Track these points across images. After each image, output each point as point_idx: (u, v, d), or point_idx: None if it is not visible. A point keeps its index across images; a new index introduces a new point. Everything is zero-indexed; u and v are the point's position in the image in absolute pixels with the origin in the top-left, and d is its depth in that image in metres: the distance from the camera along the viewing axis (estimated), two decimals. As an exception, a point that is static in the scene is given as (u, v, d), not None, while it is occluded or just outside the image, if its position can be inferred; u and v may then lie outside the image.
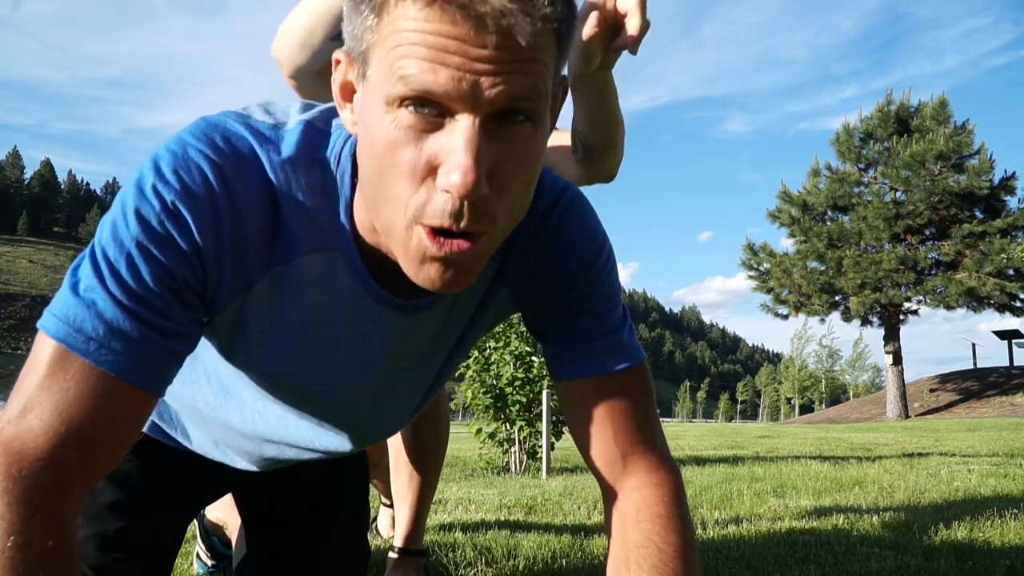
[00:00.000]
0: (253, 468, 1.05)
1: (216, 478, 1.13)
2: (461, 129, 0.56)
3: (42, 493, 0.60)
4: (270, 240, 0.71)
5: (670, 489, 0.77)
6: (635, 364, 0.81)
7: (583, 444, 0.81)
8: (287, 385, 0.84)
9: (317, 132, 0.72)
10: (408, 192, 0.59)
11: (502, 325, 4.64)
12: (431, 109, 0.57)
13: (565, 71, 0.69)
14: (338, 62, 0.65)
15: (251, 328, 0.77)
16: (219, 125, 0.70)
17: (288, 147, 0.70)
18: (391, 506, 2.19)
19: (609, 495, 0.79)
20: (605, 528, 0.81)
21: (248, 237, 0.69)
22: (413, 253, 0.62)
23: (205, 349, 0.83)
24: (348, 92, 0.66)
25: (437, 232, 0.60)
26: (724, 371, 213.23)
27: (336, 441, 0.94)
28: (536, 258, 0.78)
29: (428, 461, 1.67)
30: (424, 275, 0.63)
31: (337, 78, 0.66)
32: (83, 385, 0.63)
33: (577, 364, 0.80)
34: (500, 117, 0.58)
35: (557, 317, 0.81)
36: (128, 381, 0.64)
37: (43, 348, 0.64)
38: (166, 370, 0.68)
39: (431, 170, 0.58)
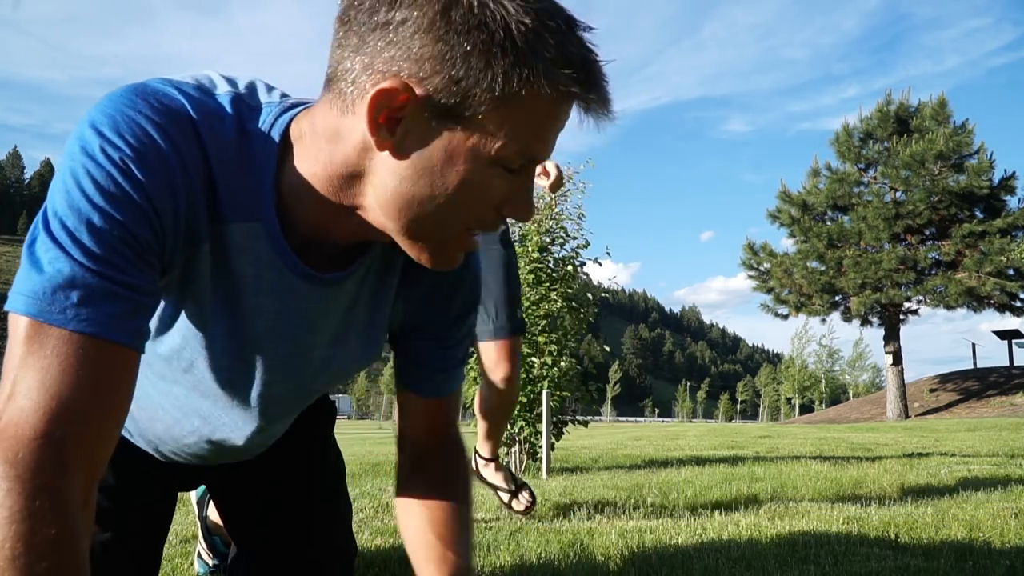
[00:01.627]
0: (164, 451, 1.05)
1: (166, 467, 1.11)
2: (526, 182, 0.71)
3: (43, 475, 0.59)
4: (209, 200, 0.72)
5: (463, 463, 1.01)
6: (459, 384, 1.00)
7: (406, 426, 1.00)
8: (215, 349, 0.84)
9: (246, 105, 0.75)
10: (478, 219, 0.72)
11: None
12: (523, 164, 0.69)
13: None
14: (394, 89, 0.63)
15: (196, 288, 0.77)
16: (149, 87, 0.70)
17: (218, 114, 0.72)
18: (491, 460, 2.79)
19: (416, 449, 1.00)
20: (401, 485, 0.99)
21: (195, 195, 0.71)
22: (453, 245, 0.74)
23: None
24: (393, 123, 0.65)
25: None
26: (724, 371, 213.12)
27: (242, 422, 0.93)
28: (445, 282, 0.91)
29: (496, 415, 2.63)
30: (447, 259, 0.75)
31: (385, 105, 0.64)
32: (65, 355, 0.62)
33: (424, 386, 0.97)
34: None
35: (428, 339, 0.95)
36: (109, 340, 0.64)
37: (17, 328, 0.63)
38: (142, 324, 0.68)
39: (499, 207, 0.71)
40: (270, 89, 0.79)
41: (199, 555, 1.78)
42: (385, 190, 0.70)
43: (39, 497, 0.58)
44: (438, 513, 0.95)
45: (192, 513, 1.77)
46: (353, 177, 0.71)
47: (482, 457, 2.82)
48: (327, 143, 0.71)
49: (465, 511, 0.97)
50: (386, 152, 0.67)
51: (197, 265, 0.76)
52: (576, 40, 0.65)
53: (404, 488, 0.98)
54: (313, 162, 0.72)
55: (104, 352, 0.64)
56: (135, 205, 0.65)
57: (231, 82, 0.77)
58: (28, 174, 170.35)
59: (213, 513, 1.67)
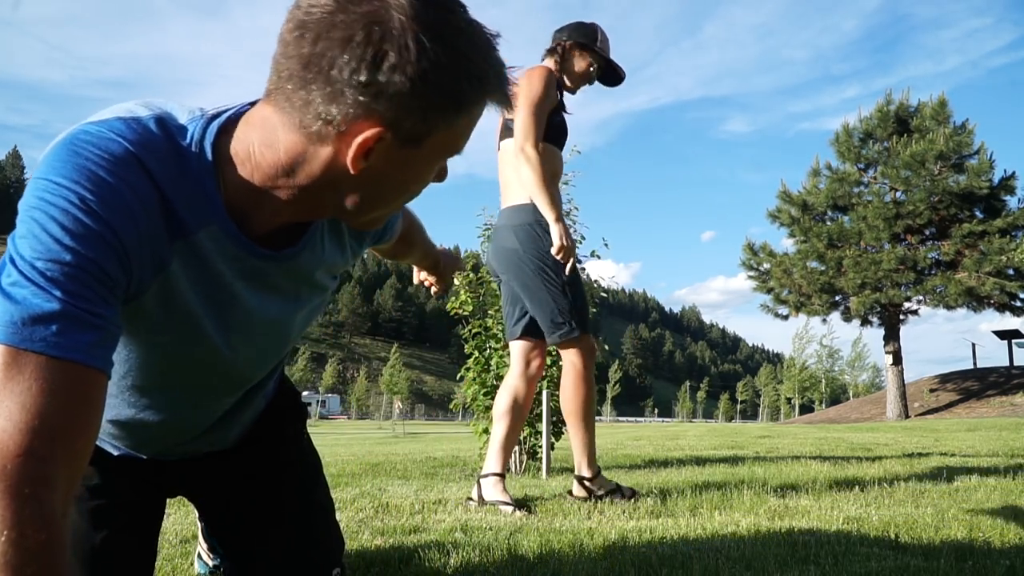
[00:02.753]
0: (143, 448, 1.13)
1: (150, 470, 1.18)
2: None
3: (30, 486, 0.61)
4: (166, 223, 0.80)
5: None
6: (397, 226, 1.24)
7: (402, 259, 1.43)
8: (209, 340, 0.93)
9: (172, 125, 0.82)
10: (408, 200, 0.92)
11: (502, 327, 4.64)
12: None
13: None
14: (381, 139, 0.77)
15: (180, 302, 0.86)
16: (83, 135, 0.76)
17: (152, 139, 0.79)
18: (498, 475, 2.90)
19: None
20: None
21: (153, 223, 0.78)
22: (382, 218, 0.92)
23: None
24: (366, 153, 0.78)
25: None
26: (724, 371, 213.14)
27: (231, 381, 1.06)
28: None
29: (575, 416, 2.87)
30: (376, 225, 0.94)
31: (363, 144, 0.76)
32: (44, 379, 0.66)
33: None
34: None
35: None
36: (85, 364, 0.68)
37: None
38: (110, 352, 0.73)
39: None
40: (186, 108, 0.87)
41: (199, 555, 1.78)
42: (347, 195, 0.83)
43: (28, 506, 0.60)
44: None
45: (192, 513, 1.77)
46: (311, 184, 0.81)
47: (588, 478, 2.92)
48: (285, 157, 0.79)
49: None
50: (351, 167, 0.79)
51: (174, 283, 0.84)
52: (492, 58, 0.78)
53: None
54: (254, 169, 0.81)
55: (81, 376, 0.68)
56: (103, 242, 0.71)
57: (149, 108, 0.83)
58: (28, 174, 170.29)
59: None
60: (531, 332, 2.98)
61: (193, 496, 1.32)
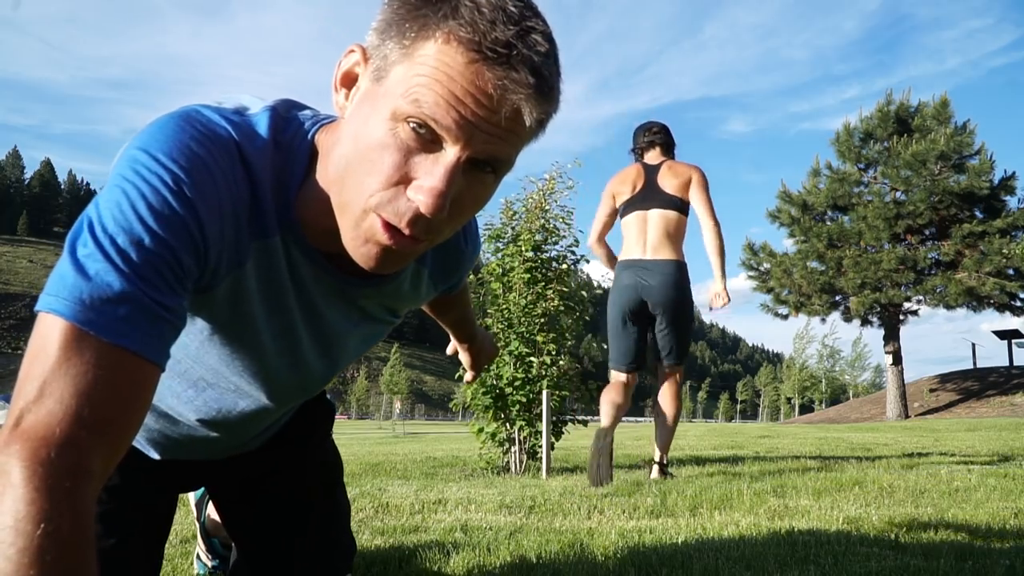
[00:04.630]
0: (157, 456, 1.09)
1: (170, 469, 1.14)
2: (446, 160, 0.67)
3: (70, 479, 0.59)
4: (252, 219, 0.77)
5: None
6: (464, 282, 1.19)
7: (440, 316, 1.30)
8: (265, 352, 0.90)
9: (280, 118, 0.79)
10: (377, 187, 0.69)
11: (501, 327, 4.64)
12: (427, 132, 0.67)
13: None
14: (351, 51, 0.73)
15: (246, 303, 0.82)
16: (194, 113, 0.74)
17: (256, 131, 0.76)
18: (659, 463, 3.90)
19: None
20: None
21: (239, 216, 0.75)
22: (362, 233, 0.72)
23: None
24: (349, 81, 0.73)
25: (388, 226, 0.70)
26: (724, 371, 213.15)
27: (258, 401, 1.00)
28: (446, 258, 1.01)
29: (672, 420, 3.89)
30: (363, 252, 0.73)
31: (345, 64, 0.73)
32: (102, 366, 0.62)
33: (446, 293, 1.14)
34: (476, 163, 0.69)
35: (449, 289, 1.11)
36: (145, 357, 0.65)
37: (52, 330, 0.62)
38: (171, 343, 0.70)
39: (406, 180, 0.69)
40: (303, 106, 0.84)
41: (198, 556, 1.78)
42: (331, 161, 0.75)
43: (67, 500, 0.58)
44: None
45: (192, 513, 1.77)
46: (327, 168, 0.76)
47: (665, 465, 3.97)
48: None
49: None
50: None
51: (245, 282, 0.80)
52: (493, 8, 0.65)
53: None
54: (327, 172, 0.76)
55: (139, 368, 0.65)
56: (185, 229, 0.68)
57: (264, 102, 0.81)
58: (28, 174, 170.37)
59: (212, 514, 1.67)
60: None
61: (212, 488, 1.30)
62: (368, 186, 0.69)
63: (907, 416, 20.19)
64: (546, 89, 0.67)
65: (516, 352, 4.58)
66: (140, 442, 1.07)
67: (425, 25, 0.66)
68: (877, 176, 21.60)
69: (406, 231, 0.70)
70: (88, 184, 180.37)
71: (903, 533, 2.16)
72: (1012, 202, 20.65)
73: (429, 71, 0.65)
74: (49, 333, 0.63)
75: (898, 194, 20.95)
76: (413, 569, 1.79)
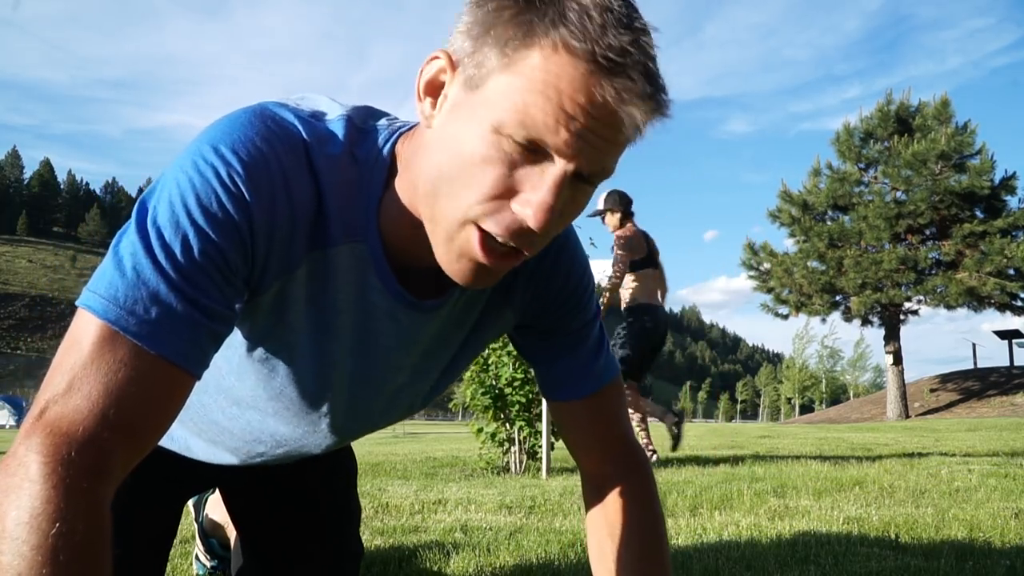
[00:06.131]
0: (235, 462, 1.04)
1: (199, 472, 1.11)
2: (555, 174, 0.63)
3: (88, 479, 0.58)
4: (312, 226, 0.72)
5: (645, 471, 0.94)
6: (616, 375, 0.94)
7: (573, 442, 0.96)
8: (304, 373, 0.84)
9: (356, 129, 0.75)
10: (477, 199, 0.64)
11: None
12: (534, 146, 0.63)
13: None
14: (435, 58, 0.68)
15: (290, 314, 0.77)
16: (268, 110, 0.71)
17: (331, 138, 0.73)
18: None
19: (593, 480, 0.95)
20: (587, 507, 0.95)
21: (296, 221, 0.71)
22: (457, 247, 0.67)
23: None
24: (433, 89, 0.69)
25: (487, 239, 0.66)
26: (724, 371, 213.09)
27: (322, 434, 0.94)
28: (538, 282, 0.88)
29: None
30: (458, 268, 0.69)
31: (428, 72, 0.68)
32: (133, 368, 0.61)
33: (572, 388, 0.92)
34: (582, 176, 0.65)
35: (553, 333, 0.91)
36: (177, 365, 0.64)
37: (88, 326, 0.62)
38: (208, 354, 0.68)
39: (510, 193, 0.64)
40: (380, 114, 0.80)
41: (197, 556, 1.78)
42: (421, 176, 0.69)
43: (84, 500, 0.58)
44: (634, 549, 0.89)
45: (191, 514, 1.77)
46: (413, 174, 0.71)
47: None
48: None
49: (660, 537, 0.92)
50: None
51: (292, 290, 0.76)
52: (602, 11, 0.60)
53: (594, 527, 0.94)
54: (410, 184, 0.73)
55: (170, 375, 0.64)
56: (233, 227, 0.66)
57: (343, 106, 0.77)
58: (27, 174, 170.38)
59: (212, 512, 1.67)
60: None
61: (225, 490, 1.29)
62: (466, 199, 0.65)
63: (907, 416, 20.18)
64: (662, 96, 0.63)
65: (515, 352, 4.58)
66: (183, 441, 1.03)
67: (530, 32, 0.61)
68: (878, 176, 21.58)
69: (510, 243, 0.66)
70: (87, 184, 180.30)
71: (903, 533, 2.15)
72: (1013, 202, 20.65)
73: (538, 85, 0.60)
74: (85, 328, 0.62)
75: (899, 194, 20.94)
76: (413, 569, 1.79)
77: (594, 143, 0.62)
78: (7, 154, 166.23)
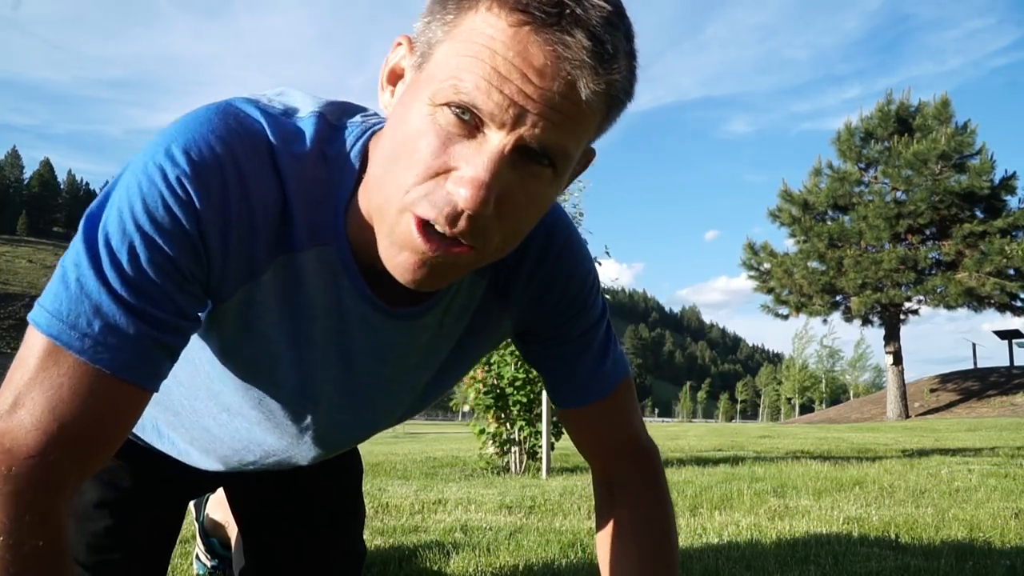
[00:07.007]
0: (228, 470, 1.02)
1: (199, 477, 1.09)
2: (490, 148, 0.58)
3: (33, 491, 0.58)
4: (276, 229, 0.68)
5: (655, 466, 0.91)
6: (624, 375, 0.89)
7: (584, 444, 0.92)
8: (281, 383, 0.80)
9: (328, 126, 0.71)
10: (413, 181, 0.60)
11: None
12: (470, 117, 0.58)
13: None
14: (399, 44, 0.66)
15: (262, 322, 0.73)
16: (232, 107, 0.67)
17: (299, 136, 0.69)
18: None
19: (602, 478, 0.91)
20: (597, 505, 0.92)
21: (256, 222, 0.67)
22: (397, 239, 0.62)
23: (194, 350, 0.79)
24: (395, 77, 0.67)
25: (426, 227, 0.60)
26: (724, 371, 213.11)
27: (307, 445, 0.91)
28: (538, 288, 0.82)
29: None
30: (399, 263, 0.63)
31: (391, 60, 0.67)
32: (76, 382, 0.60)
33: (577, 396, 0.87)
34: (528, 153, 0.59)
35: (555, 341, 0.86)
36: (122, 378, 0.62)
37: (34, 342, 0.61)
38: (160, 366, 0.66)
39: (446, 170, 0.59)
40: (356, 110, 0.75)
41: (197, 556, 1.78)
42: (374, 165, 0.66)
43: (29, 512, 0.57)
44: (641, 549, 0.85)
45: (191, 514, 1.77)
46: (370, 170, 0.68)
47: None
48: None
49: (667, 536, 0.88)
50: None
51: (259, 297, 0.71)
52: None
53: (603, 526, 0.89)
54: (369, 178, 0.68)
55: (116, 389, 0.62)
56: (182, 232, 0.62)
57: (318, 102, 0.73)
58: (27, 174, 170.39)
59: (212, 512, 1.67)
60: None
61: (229, 491, 1.28)
62: (404, 181, 0.60)
63: (907, 416, 20.18)
64: (606, 56, 0.56)
65: (517, 352, 4.58)
66: (182, 447, 1.01)
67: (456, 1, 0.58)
68: (878, 176, 21.58)
69: (445, 230, 0.59)
70: (88, 184, 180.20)
71: (903, 533, 2.16)
72: (1012, 202, 20.66)
73: (469, 47, 0.56)
74: (32, 344, 0.61)
75: (899, 194, 20.94)
76: (413, 569, 1.79)
77: (533, 110, 0.57)
78: (7, 154, 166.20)
